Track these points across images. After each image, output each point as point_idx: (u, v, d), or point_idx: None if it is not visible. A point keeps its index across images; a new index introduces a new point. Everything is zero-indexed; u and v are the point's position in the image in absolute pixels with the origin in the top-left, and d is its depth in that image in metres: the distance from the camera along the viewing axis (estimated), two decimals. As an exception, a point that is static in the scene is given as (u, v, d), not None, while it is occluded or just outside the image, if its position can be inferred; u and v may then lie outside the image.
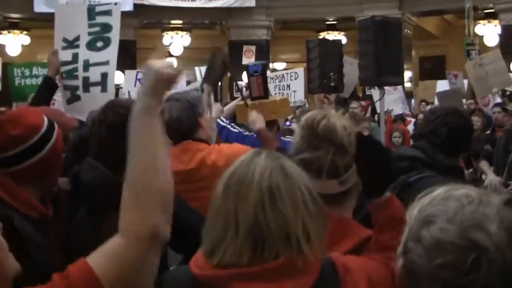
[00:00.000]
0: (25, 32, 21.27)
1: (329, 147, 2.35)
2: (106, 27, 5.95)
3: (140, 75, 11.17)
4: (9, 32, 21.14)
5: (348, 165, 2.36)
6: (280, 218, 1.88)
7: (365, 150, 2.34)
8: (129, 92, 11.03)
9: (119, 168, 2.62)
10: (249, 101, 5.64)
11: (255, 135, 5.44)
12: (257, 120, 5.14)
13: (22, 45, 21.26)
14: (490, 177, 7.94)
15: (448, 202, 1.48)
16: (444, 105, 9.90)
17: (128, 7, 17.43)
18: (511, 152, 7.34)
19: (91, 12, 5.98)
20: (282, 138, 5.54)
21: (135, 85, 11.15)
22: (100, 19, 5.95)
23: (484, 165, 8.35)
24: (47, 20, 13.47)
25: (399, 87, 13.90)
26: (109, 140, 2.80)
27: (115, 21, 6.03)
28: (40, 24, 18.48)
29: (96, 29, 5.92)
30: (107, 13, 6.02)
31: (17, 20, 20.92)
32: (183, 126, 4.18)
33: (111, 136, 2.78)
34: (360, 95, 16.94)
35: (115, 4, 6.27)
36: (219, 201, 1.95)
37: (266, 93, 5.78)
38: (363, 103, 12.09)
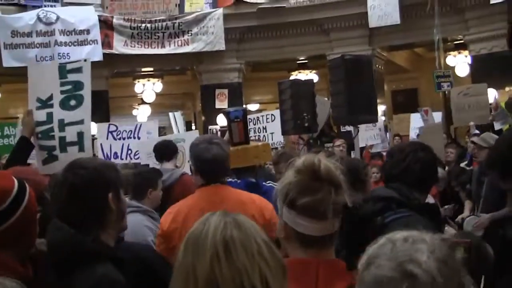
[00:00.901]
0: (-5, 88, 21.22)
1: (330, 188, 2.41)
2: (78, 85, 5.94)
3: (111, 128, 11.15)
4: (-21, 88, 21.08)
5: (345, 203, 2.45)
6: (235, 269, 1.90)
7: (347, 222, 2.43)
8: (101, 145, 11.01)
9: (83, 227, 2.75)
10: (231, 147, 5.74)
11: (239, 181, 5.51)
12: None
13: (-7, 100, 21.20)
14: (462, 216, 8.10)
15: (386, 245, 1.61)
16: (427, 139, 10.00)
17: (98, 57, 17.42)
18: (484, 184, 7.40)
19: (62, 70, 5.97)
20: (264, 183, 5.60)
21: (107, 138, 11.12)
22: (71, 77, 5.95)
23: (467, 204, 8.51)
24: (17, 74, 13.51)
25: (381, 126, 14.12)
26: (69, 202, 2.81)
27: (86, 78, 6.03)
28: (10, 79, 18.42)
29: (68, 87, 5.91)
30: (78, 70, 6.01)
31: (-14, 76, 20.89)
32: (223, 166, 4.46)
33: (71, 198, 2.81)
34: (336, 131, 17.04)
35: (85, 60, 6.27)
36: (179, 260, 1.99)
37: (247, 139, 5.88)
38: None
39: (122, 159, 10.83)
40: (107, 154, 10.84)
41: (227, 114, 6.07)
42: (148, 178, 6.09)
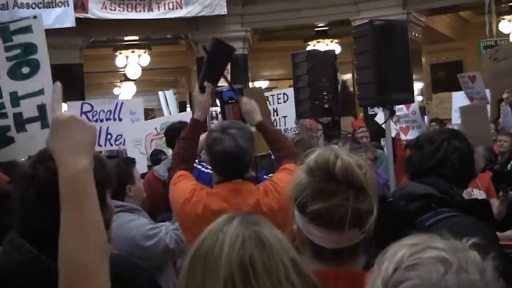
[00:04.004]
0: None
1: (348, 192, 2.38)
2: (29, 48, 5.81)
3: (86, 107, 11.09)
4: None
5: (369, 210, 2.41)
6: None
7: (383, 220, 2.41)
8: None
9: (54, 244, 2.33)
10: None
11: None
12: (254, 111, 5.27)
13: None
14: None
15: (420, 272, 1.52)
16: (469, 124, 9.90)
17: (69, 23, 17.35)
18: None
19: (5, 32, 5.81)
20: (265, 177, 5.60)
21: None
22: (18, 39, 5.82)
23: None
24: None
25: (416, 108, 13.99)
26: (37, 206, 2.54)
27: (38, 38, 5.88)
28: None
29: (16, 52, 5.79)
30: (26, 30, 5.86)
31: None
32: (245, 159, 4.47)
33: (40, 201, 2.53)
34: (361, 114, 17.02)
35: (35, 17, 6.11)
36: (185, 278, 1.96)
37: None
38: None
39: (100, 145, 10.78)
40: (80, 141, 10.78)
41: (219, 94, 6.07)
42: (122, 175, 5.78)
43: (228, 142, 4.43)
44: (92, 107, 11.23)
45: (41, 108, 5.75)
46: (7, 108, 5.70)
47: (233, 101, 5.81)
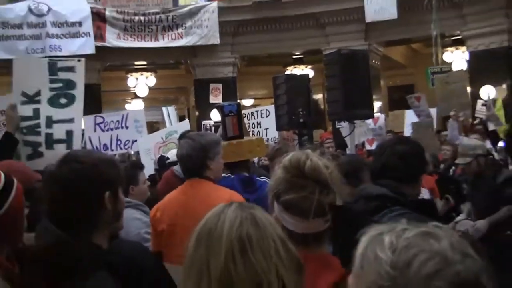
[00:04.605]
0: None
1: (315, 187, 2.44)
2: (70, 84, 5.89)
3: (98, 119, 11.15)
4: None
5: (331, 203, 2.47)
6: (251, 268, 1.86)
7: (339, 221, 2.42)
8: (90, 138, 10.97)
9: (76, 229, 2.54)
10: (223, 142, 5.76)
11: (232, 176, 5.53)
12: None
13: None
14: (459, 218, 7.90)
15: (422, 248, 1.45)
16: (419, 136, 9.93)
17: (90, 50, 17.39)
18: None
19: (53, 67, 5.89)
20: (258, 178, 5.61)
21: (95, 130, 11.11)
22: (62, 75, 5.89)
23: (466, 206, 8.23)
24: (8, 67, 13.40)
25: (382, 123, 14.01)
26: (62, 199, 2.60)
27: (79, 78, 5.97)
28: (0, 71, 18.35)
29: (59, 85, 5.86)
30: (71, 69, 5.96)
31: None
32: (190, 163, 4.63)
33: (64, 195, 2.60)
34: (330, 128, 17.01)
35: (79, 60, 6.18)
36: (191, 253, 1.95)
37: (241, 133, 5.97)
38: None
39: (112, 150, 10.89)
40: (96, 147, 10.86)
41: (221, 108, 6.14)
42: (126, 176, 5.85)
43: (179, 150, 4.74)
44: (104, 119, 11.31)
45: (69, 133, 5.85)
46: (41, 128, 5.76)
47: (232, 114, 5.91)
